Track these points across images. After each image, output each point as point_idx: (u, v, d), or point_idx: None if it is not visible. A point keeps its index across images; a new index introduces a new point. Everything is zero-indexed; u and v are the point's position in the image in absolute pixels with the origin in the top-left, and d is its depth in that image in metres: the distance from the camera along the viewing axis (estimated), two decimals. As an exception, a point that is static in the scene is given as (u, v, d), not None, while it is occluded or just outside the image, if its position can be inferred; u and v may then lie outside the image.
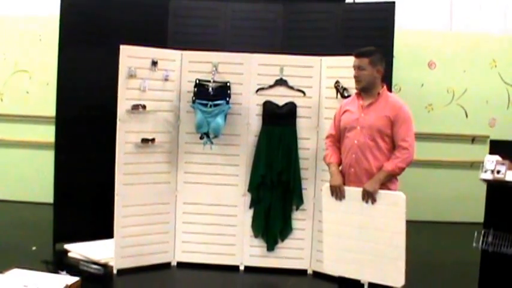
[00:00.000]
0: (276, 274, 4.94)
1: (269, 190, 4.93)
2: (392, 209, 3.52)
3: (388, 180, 3.64)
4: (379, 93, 3.72)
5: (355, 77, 3.72)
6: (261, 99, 4.96)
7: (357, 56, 3.72)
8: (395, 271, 3.52)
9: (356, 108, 3.76)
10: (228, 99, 4.86)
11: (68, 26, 5.35)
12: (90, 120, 5.38)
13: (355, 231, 3.62)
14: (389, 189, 3.64)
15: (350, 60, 4.60)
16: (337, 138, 3.90)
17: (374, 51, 3.74)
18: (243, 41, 5.44)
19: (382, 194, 3.56)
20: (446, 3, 7.39)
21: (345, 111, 3.83)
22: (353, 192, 3.65)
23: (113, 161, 4.73)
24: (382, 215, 3.54)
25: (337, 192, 3.68)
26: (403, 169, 3.64)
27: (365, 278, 3.61)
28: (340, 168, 3.85)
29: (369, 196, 3.55)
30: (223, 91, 4.88)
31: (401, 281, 3.52)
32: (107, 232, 4.92)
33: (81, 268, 4.76)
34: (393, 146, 3.66)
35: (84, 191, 5.41)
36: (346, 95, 4.65)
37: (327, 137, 4.01)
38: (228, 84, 4.90)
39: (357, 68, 3.70)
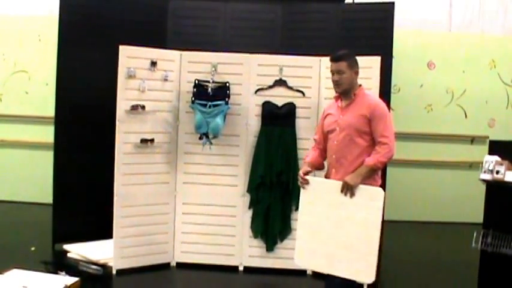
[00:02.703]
0: (275, 274, 4.94)
1: (268, 191, 4.93)
2: (370, 204, 3.51)
3: (371, 178, 3.64)
4: (355, 94, 3.75)
5: (335, 81, 3.72)
6: (261, 100, 4.96)
7: (335, 60, 3.73)
8: (366, 266, 3.49)
9: (335, 110, 3.81)
10: (227, 99, 4.86)
11: (67, 26, 5.36)
12: (89, 120, 5.39)
13: (330, 225, 3.62)
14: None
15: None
16: (319, 142, 3.92)
17: (350, 54, 3.77)
18: (242, 42, 5.44)
19: (362, 188, 3.55)
20: (445, 4, 7.39)
21: (327, 115, 3.88)
22: (332, 185, 3.64)
23: (112, 162, 4.72)
24: (359, 209, 3.53)
25: (300, 180, 3.75)
26: (384, 163, 3.68)
27: (336, 272, 3.60)
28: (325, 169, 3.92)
29: (348, 189, 3.55)
30: (222, 91, 4.88)
31: (372, 277, 3.49)
32: (106, 232, 4.92)
33: (81, 268, 4.77)
34: (373, 144, 3.68)
35: (84, 192, 5.42)
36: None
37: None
38: (227, 84, 4.90)
39: (337, 72, 3.71)
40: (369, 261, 3.50)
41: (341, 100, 3.80)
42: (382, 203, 3.50)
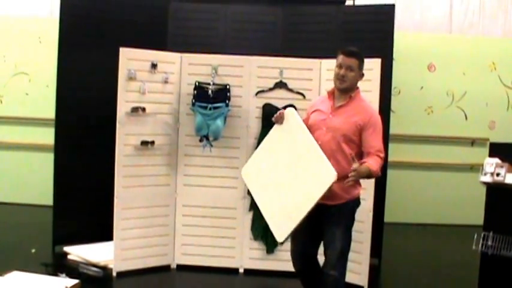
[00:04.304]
0: (275, 277, 4.93)
1: (269, 193, 4.92)
2: (318, 180, 3.46)
3: (353, 185, 3.52)
4: (350, 97, 3.63)
5: (341, 75, 3.59)
6: (261, 102, 4.96)
7: (349, 55, 3.61)
8: (284, 227, 3.59)
9: (326, 108, 3.68)
10: (227, 101, 4.86)
11: (67, 28, 5.35)
12: (89, 122, 5.39)
13: (282, 166, 3.69)
14: (350, 194, 3.56)
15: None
16: None
17: (362, 54, 3.67)
18: (242, 44, 5.44)
19: (322, 159, 3.46)
20: (445, 6, 7.39)
21: (315, 111, 3.76)
22: (305, 136, 3.61)
23: (112, 164, 4.72)
24: (308, 176, 3.52)
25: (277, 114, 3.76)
26: (377, 175, 3.57)
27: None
28: None
29: (354, 175, 3.37)
30: (222, 94, 4.88)
31: (282, 238, 3.59)
32: (106, 234, 4.92)
33: (81, 271, 4.77)
34: (359, 152, 3.56)
35: (84, 194, 5.41)
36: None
37: None
38: (228, 86, 4.90)
39: (346, 67, 3.58)
40: (287, 225, 3.54)
41: (333, 98, 3.69)
42: (329, 185, 3.42)
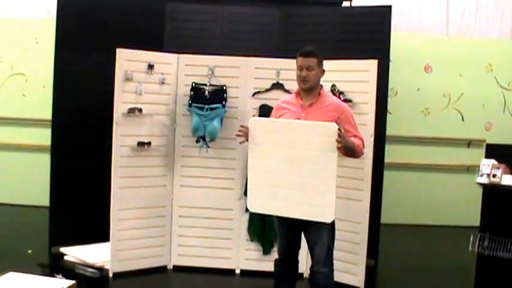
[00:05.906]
0: (271, 278, 4.92)
1: (265, 193, 4.92)
2: (326, 140, 3.41)
3: None
4: (319, 94, 3.73)
5: (303, 77, 3.68)
6: (258, 103, 4.96)
7: (306, 55, 3.70)
8: (325, 206, 3.42)
9: (296, 108, 3.74)
10: (224, 102, 4.86)
11: (64, 29, 5.36)
12: (86, 123, 5.39)
13: (284, 165, 3.53)
14: None
15: (346, 64, 4.62)
16: None
17: (319, 51, 3.75)
18: (239, 45, 5.44)
19: (316, 124, 3.49)
20: (442, 7, 7.41)
21: (283, 113, 3.79)
22: (282, 124, 3.59)
23: (109, 165, 4.72)
24: (314, 147, 3.44)
25: (239, 129, 3.71)
26: (358, 155, 3.65)
27: (292, 215, 3.54)
28: None
29: (341, 135, 3.42)
30: (219, 94, 4.88)
31: (331, 216, 3.42)
32: (103, 235, 4.92)
33: (77, 271, 4.77)
34: None
35: (80, 194, 5.41)
36: (342, 98, 4.65)
37: None
38: (225, 87, 4.91)
39: (306, 68, 3.67)
40: (326, 200, 3.42)
41: (301, 98, 3.76)
42: (335, 136, 3.40)
